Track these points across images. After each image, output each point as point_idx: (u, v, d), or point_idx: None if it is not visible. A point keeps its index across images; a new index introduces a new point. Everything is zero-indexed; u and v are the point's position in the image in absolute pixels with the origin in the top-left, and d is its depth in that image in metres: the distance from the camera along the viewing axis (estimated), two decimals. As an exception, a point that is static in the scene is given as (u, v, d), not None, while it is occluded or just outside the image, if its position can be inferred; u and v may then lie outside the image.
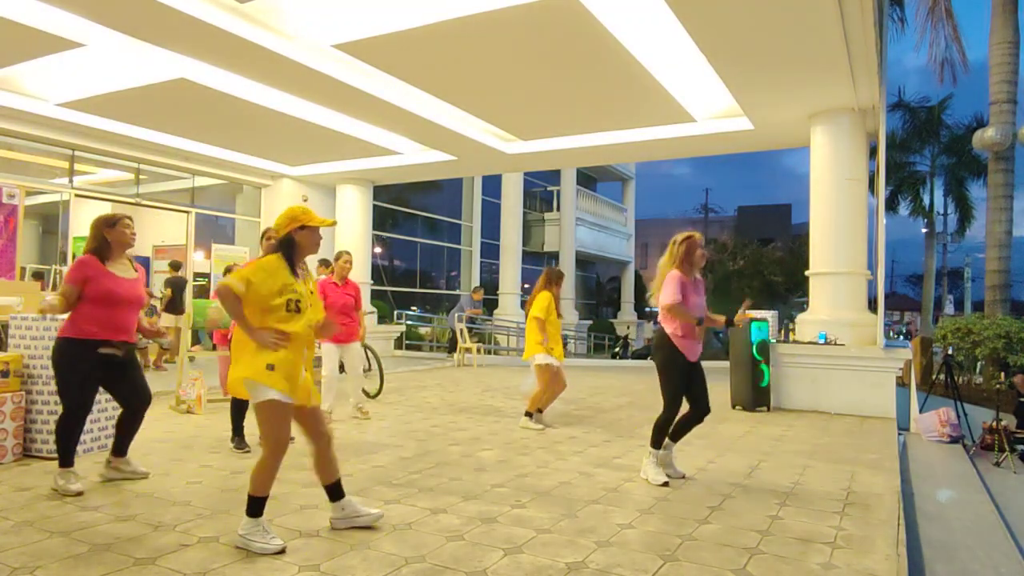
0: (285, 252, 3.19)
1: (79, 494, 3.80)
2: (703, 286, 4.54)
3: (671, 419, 4.40)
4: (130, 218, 4.13)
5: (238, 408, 5.12)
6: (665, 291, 4.31)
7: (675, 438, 4.51)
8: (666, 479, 4.34)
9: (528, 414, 6.36)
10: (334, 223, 3.44)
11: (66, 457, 3.90)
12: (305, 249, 3.23)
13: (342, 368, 6.59)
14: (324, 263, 8.60)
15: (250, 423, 5.10)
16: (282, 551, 2.99)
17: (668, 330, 4.36)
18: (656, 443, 4.44)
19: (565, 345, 6.88)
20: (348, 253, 6.44)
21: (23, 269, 9.57)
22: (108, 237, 3.98)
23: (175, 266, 10.91)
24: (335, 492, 3.32)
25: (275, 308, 3.08)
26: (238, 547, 3.02)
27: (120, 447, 4.18)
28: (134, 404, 4.15)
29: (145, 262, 11.80)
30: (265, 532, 3.03)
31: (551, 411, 7.18)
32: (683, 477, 4.49)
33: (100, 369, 3.93)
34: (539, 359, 6.31)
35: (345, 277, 6.37)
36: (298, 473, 4.20)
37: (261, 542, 2.99)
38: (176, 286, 10.61)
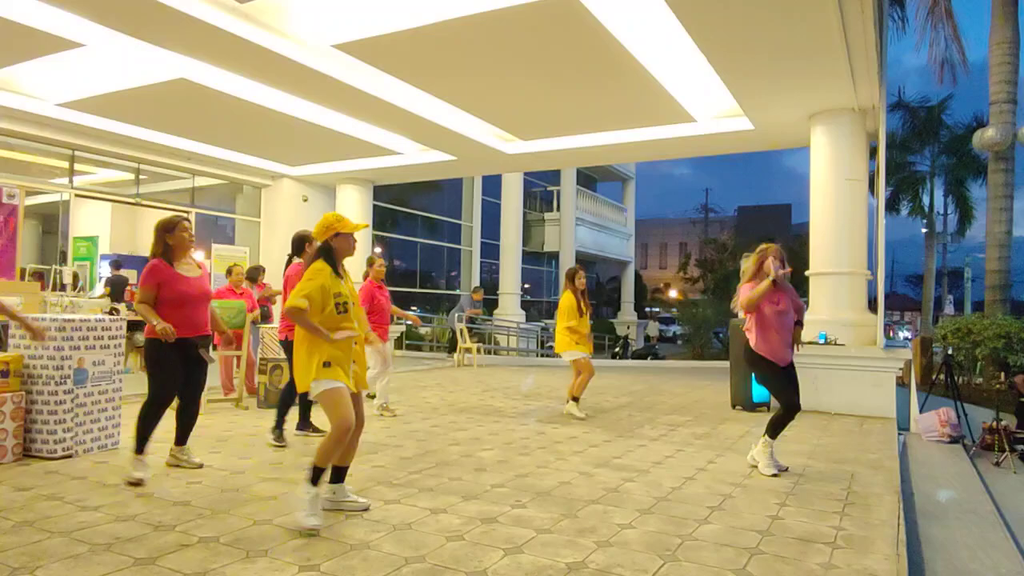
0: (327, 258, 3.54)
1: (140, 483, 4.00)
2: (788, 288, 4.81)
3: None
4: (188, 220, 4.39)
5: (288, 401, 5.35)
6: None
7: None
8: (777, 470, 4.62)
9: (574, 399, 6.96)
10: (366, 226, 3.73)
11: (142, 444, 4.12)
12: (342, 253, 3.61)
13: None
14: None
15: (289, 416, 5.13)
16: (312, 533, 3.21)
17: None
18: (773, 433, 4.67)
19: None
20: (380, 256, 6.79)
21: (23, 269, 9.57)
22: (169, 241, 4.25)
23: (116, 265, 10.88)
24: (338, 476, 3.60)
25: (328, 312, 3.44)
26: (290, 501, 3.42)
27: (180, 436, 4.49)
28: (186, 396, 4.43)
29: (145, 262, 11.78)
30: (312, 504, 3.28)
31: (553, 410, 7.20)
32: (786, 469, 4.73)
33: (182, 364, 4.23)
34: (568, 356, 6.93)
35: (382, 278, 6.72)
36: (300, 473, 4.20)
37: (303, 512, 3.27)
38: (116, 285, 10.53)
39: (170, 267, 4.23)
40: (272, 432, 5.30)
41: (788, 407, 4.65)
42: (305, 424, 5.68)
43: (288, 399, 5.33)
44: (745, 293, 4.65)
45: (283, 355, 6.99)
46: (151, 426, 4.18)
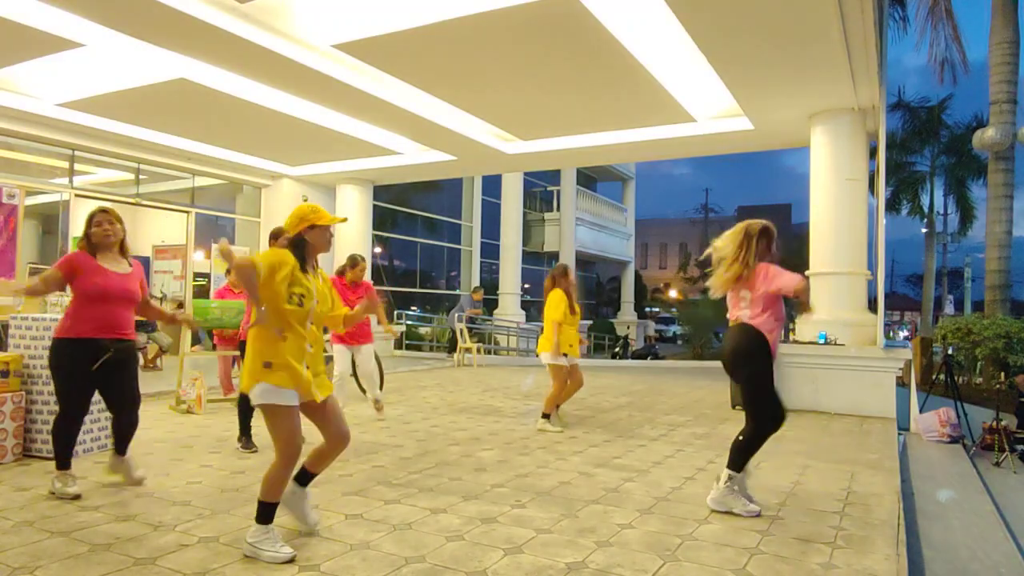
0: (296, 252, 3.13)
1: (77, 497, 3.75)
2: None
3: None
4: (105, 211, 3.92)
5: (245, 407, 5.09)
6: (785, 277, 3.67)
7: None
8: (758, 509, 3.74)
9: (545, 415, 6.25)
10: (344, 220, 3.41)
11: (63, 459, 3.82)
12: (317, 248, 3.20)
13: (354, 370, 6.65)
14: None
15: (257, 422, 5.12)
16: (292, 560, 2.90)
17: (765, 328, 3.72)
18: (738, 465, 3.77)
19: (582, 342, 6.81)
20: (363, 259, 6.54)
21: (31, 267, 9.54)
22: (88, 232, 3.87)
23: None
24: (304, 478, 3.24)
25: (279, 293, 2.98)
26: (247, 556, 2.92)
27: (116, 444, 4.08)
28: (112, 405, 4.01)
29: (145, 262, 11.79)
30: (275, 540, 2.94)
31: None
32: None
33: (97, 370, 3.77)
34: (545, 358, 6.25)
35: (359, 280, 6.49)
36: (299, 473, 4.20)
37: (271, 551, 2.90)
38: None
39: (91, 258, 3.80)
40: (239, 440, 5.12)
41: (778, 418, 3.87)
42: (245, 433, 5.17)
43: (247, 402, 4.92)
44: (791, 279, 3.64)
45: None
46: (72, 440, 3.86)
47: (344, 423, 3.25)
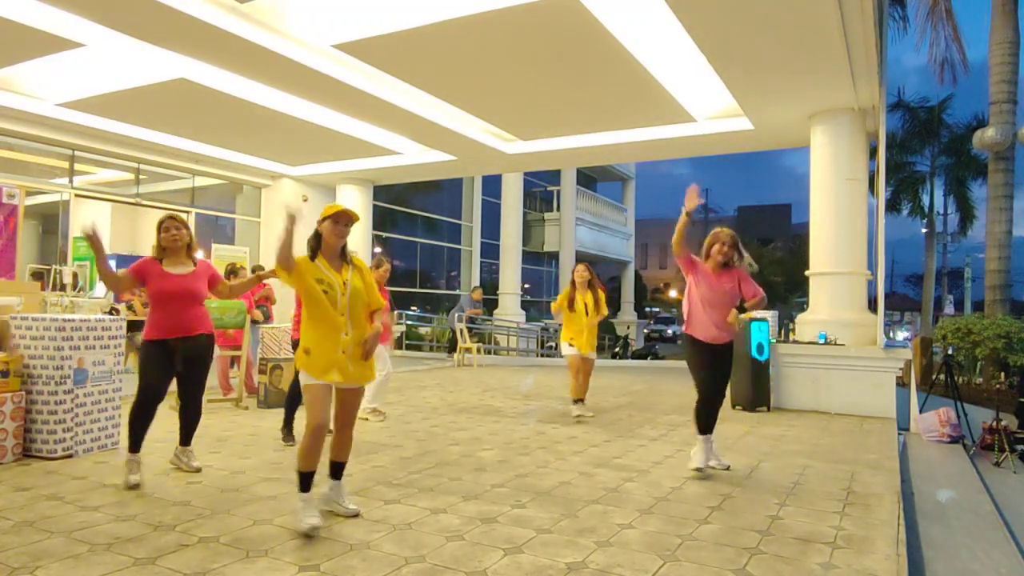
0: (311, 243, 3.45)
1: (136, 486, 3.95)
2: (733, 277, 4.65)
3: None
4: (173, 217, 4.25)
5: (291, 402, 5.38)
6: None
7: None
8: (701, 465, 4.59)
9: (575, 401, 6.91)
10: (341, 209, 3.51)
11: (132, 443, 4.10)
12: (327, 240, 3.44)
13: None
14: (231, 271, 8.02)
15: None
16: (311, 531, 3.17)
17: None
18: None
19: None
20: (388, 261, 6.54)
21: (40, 271, 9.54)
22: (157, 239, 4.21)
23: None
24: (334, 472, 3.56)
25: (309, 289, 3.32)
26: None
27: (182, 436, 4.45)
28: (182, 396, 4.40)
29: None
30: (306, 508, 3.26)
31: (553, 410, 7.18)
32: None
33: (170, 364, 4.14)
34: (562, 349, 6.99)
35: (382, 282, 6.39)
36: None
37: (297, 517, 3.24)
38: None
39: (157, 264, 4.15)
40: (281, 431, 5.40)
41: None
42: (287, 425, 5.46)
43: (294, 398, 5.33)
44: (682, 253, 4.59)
45: (282, 355, 7.00)
46: (139, 425, 4.14)
47: (355, 412, 3.55)
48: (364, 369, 3.45)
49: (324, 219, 3.44)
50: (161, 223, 4.22)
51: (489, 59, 7.16)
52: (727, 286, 4.57)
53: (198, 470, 4.38)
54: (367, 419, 6.47)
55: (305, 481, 3.30)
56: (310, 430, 3.28)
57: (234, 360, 7.57)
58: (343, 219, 3.44)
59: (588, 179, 29.77)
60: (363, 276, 3.52)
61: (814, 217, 8.51)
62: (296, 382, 5.08)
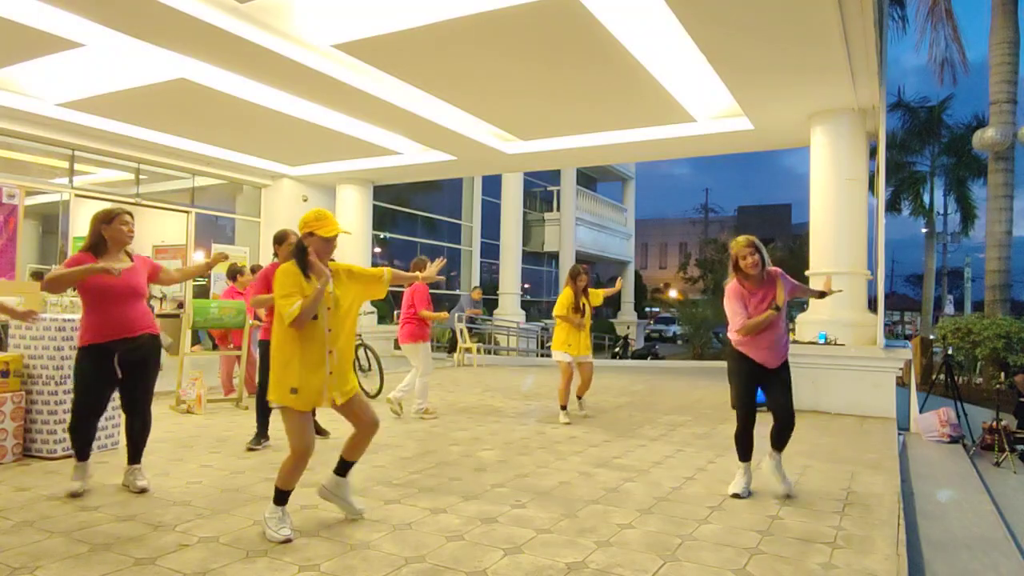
0: (298, 258, 3.25)
1: (76, 495, 3.76)
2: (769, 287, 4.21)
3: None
4: (130, 214, 3.90)
5: (263, 409, 5.18)
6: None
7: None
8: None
9: (562, 407, 6.79)
10: (347, 233, 3.39)
11: (78, 454, 3.89)
12: (318, 254, 3.24)
13: None
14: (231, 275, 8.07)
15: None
16: (286, 541, 3.12)
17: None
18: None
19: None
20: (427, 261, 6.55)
21: (40, 271, 9.52)
22: (104, 234, 3.80)
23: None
24: (342, 469, 3.50)
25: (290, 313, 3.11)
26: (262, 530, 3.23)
27: (130, 453, 4.03)
28: (125, 406, 4.01)
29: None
30: (280, 521, 3.20)
31: (552, 410, 7.18)
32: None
33: (111, 372, 3.79)
34: (554, 355, 6.85)
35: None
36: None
37: (272, 529, 3.17)
38: None
39: (93, 259, 3.72)
40: (253, 439, 5.18)
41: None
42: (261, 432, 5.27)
43: (266, 405, 5.05)
44: (738, 319, 4.07)
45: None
46: (78, 438, 3.86)
47: (370, 411, 3.45)
48: (349, 382, 3.34)
49: (312, 234, 3.22)
50: (114, 216, 3.82)
51: (489, 59, 7.16)
52: (769, 296, 4.15)
53: (144, 491, 3.89)
54: (423, 418, 6.76)
55: (283, 497, 3.25)
56: (297, 455, 3.20)
57: (238, 360, 7.56)
58: (335, 239, 3.29)
59: (588, 179, 29.77)
60: (351, 273, 3.39)
61: (814, 217, 8.51)
62: (263, 389, 4.74)
